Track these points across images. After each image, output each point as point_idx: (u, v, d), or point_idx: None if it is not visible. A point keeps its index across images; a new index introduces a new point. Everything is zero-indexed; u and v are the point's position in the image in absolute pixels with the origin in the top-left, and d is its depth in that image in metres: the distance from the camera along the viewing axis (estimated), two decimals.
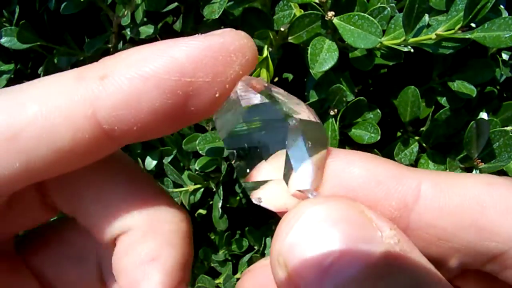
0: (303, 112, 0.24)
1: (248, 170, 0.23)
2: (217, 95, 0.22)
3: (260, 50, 0.52)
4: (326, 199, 0.21)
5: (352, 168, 0.23)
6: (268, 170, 0.23)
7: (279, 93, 0.24)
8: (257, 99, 0.23)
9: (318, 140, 0.23)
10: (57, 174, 0.22)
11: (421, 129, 0.60)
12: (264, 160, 0.23)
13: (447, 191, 0.22)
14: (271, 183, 0.23)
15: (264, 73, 0.46)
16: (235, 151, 0.23)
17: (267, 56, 0.47)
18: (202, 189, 0.71)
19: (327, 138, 0.24)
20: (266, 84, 0.24)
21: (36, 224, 0.27)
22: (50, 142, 0.20)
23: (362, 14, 0.48)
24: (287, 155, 0.23)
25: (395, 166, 0.23)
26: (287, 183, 0.23)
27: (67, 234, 0.28)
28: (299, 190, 0.23)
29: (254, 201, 0.24)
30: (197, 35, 0.22)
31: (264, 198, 0.23)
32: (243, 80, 0.23)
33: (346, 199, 0.21)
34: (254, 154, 0.23)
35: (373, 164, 0.23)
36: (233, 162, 0.24)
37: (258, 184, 0.23)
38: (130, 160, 0.27)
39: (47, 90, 0.21)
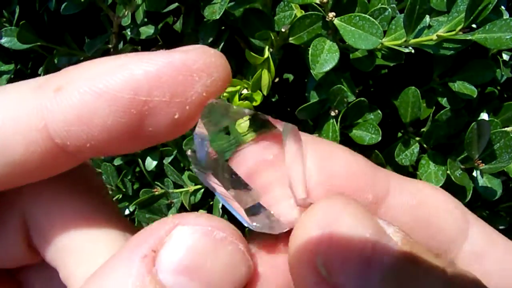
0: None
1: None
2: (176, 116, 0.20)
3: (261, 51, 0.52)
4: (340, 197, 0.21)
5: (333, 161, 0.24)
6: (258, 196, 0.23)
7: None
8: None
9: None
10: (12, 186, 0.22)
11: (422, 129, 0.60)
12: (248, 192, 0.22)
13: (409, 191, 0.25)
14: (274, 206, 0.23)
15: (265, 74, 0.46)
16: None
17: (268, 57, 0.47)
18: (202, 190, 0.71)
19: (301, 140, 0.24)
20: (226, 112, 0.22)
21: (20, 265, 0.27)
22: (3, 155, 0.20)
23: (363, 15, 0.48)
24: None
25: (367, 161, 0.25)
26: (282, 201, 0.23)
27: None
28: (298, 202, 0.23)
29: (264, 230, 0.22)
30: (162, 50, 0.21)
31: (271, 222, 0.23)
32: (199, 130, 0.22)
33: (352, 198, 0.22)
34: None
35: (350, 157, 0.24)
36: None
37: (257, 211, 0.22)
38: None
39: (5, 99, 0.20)
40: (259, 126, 0.23)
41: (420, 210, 0.25)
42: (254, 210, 0.22)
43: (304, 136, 0.24)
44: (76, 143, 0.20)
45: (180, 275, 0.20)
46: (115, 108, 0.19)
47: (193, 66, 0.20)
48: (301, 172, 0.23)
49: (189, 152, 0.23)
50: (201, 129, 0.22)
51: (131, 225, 0.27)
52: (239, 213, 0.22)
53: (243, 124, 0.23)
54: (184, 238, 0.20)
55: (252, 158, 0.23)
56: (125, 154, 0.77)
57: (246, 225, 0.22)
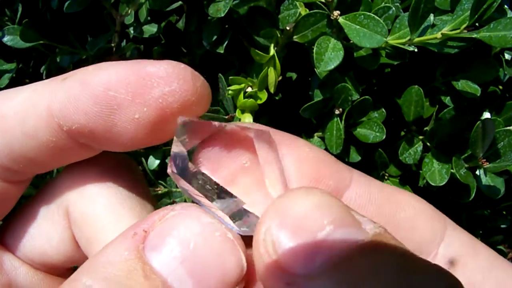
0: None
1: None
2: (136, 116, 0.23)
3: (265, 49, 0.52)
4: (308, 187, 0.22)
5: (295, 147, 0.25)
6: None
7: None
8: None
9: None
10: (29, 165, 0.26)
11: (425, 128, 0.61)
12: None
13: (374, 186, 0.25)
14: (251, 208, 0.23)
15: (271, 72, 0.46)
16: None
17: (273, 55, 0.47)
18: None
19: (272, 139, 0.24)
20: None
21: (74, 263, 0.30)
22: (22, 125, 0.24)
23: (368, 13, 0.48)
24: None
25: (328, 153, 0.26)
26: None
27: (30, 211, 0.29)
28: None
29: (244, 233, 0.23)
30: (142, 59, 0.24)
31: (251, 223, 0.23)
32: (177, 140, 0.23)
33: (325, 191, 0.22)
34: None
35: (311, 145, 0.26)
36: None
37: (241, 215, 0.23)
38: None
39: (32, 87, 0.25)
40: (231, 135, 0.24)
41: (385, 204, 0.25)
42: (240, 215, 0.23)
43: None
44: (66, 123, 0.24)
45: (163, 255, 0.21)
46: (92, 99, 0.23)
47: (154, 73, 0.23)
48: (278, 174, 0.23)
49: (169, 170, 0.24)
50: (178, 147, 0.24)
51: None
52: (226, 220, 0.23)
53: (215, 136, 0.24)
54: (173, 221, 0.22)
55: (228, 166, 0.24)
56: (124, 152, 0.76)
57: (235, 231, 0.23)
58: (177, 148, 0.23)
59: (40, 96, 0.24)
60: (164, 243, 0.21)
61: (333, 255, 0.19)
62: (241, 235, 0.23)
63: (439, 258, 0.25)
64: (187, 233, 0.21)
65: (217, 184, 0.23)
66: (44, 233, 0.28)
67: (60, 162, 0.27)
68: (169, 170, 0.24)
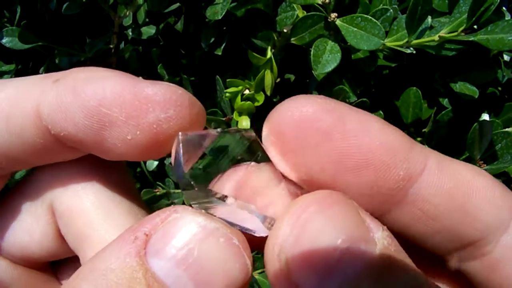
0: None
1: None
2: (129, 137, 0.23)
3: (263, 52, 0.52)
4: (322, 195, 0.21)
5: (367, 133, 0.22)
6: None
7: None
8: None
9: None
10: (17, 162, 0.25)
11: (423, 130, 0.60)
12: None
13: (447, 172, 0.24)
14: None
15: (268, 74, 0.46)
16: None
17: (271, 58, 0.47)
18: None
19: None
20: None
21: (56, 257, 0.30)
22: (6, 123, 0.24)
23: (365, 15, 0.48)
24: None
25: (404, 135, 0.24)
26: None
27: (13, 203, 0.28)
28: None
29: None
30: (139, 78, 0.23)
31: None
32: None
33: (340, 195, 0.21)
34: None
35: (386, 129, 0.23)
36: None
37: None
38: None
39: (20, 83, 0.24)
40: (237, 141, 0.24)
41: (456, 193, 0.23)
42: (261, 219, 0.22)
43: (340, 105, 0.23)
44: (55, 129, 0.23)
45: (166, 261, 0.20)
46: (83, 112, 0.22)
47: (151, 97, 0.22)
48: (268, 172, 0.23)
49: (181, 188, 0.23)
50: (183, 165, 0.22)
51: None
52: (246, 227, 0.22)
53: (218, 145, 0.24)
54: (176, 226, 0.21)
55: (235, 172, 0.24)
56: None
57: (260, 234, 0.22)
58: (182, 166, 0.22)
59: (28, 95, 0.23)
60: (167, 248, 0.21)
61: (347, 275, 0.19)
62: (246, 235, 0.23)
63: (499, 246, 0.24)
64: (191, 238, 0.21)
65: (230, 192, 0.23)
66: (25, 227, 0.28)
67: (45, 161, 0.26)
68: (181, 188, 0.23)
